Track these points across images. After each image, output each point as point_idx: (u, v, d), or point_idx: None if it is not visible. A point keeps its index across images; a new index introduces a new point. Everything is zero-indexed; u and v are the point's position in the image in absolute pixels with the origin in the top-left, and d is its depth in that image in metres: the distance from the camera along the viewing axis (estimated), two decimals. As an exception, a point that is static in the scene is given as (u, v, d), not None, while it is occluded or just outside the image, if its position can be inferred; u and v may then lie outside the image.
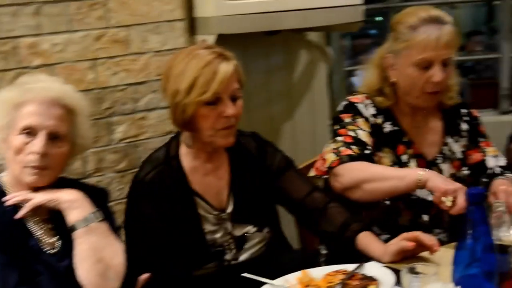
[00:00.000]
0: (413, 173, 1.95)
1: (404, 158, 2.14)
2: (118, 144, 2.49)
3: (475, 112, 2.29)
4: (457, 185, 1.84)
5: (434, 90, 2.07)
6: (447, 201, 1.81)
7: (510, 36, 3.89)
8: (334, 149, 2.07)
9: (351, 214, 1.97)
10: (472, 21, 7.43)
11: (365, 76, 2.23)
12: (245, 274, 1.72)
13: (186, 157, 1.95)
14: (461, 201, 1.76)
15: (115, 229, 1.76)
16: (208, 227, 1.94)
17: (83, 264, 1.63)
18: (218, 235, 1.95)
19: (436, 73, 2.03)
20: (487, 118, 3.76)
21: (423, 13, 2.05)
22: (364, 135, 2.09)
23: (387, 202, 2.11)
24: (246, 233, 1.98)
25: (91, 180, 2.38)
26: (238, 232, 1.97)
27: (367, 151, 2.07)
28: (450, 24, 2.04)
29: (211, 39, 2.47)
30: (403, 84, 2.11)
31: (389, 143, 2.14)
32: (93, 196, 1.74)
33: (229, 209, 1.98)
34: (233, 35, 2.50)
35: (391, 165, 2.12)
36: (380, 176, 1.99)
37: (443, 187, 1.83)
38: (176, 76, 1.84)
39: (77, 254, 1.64)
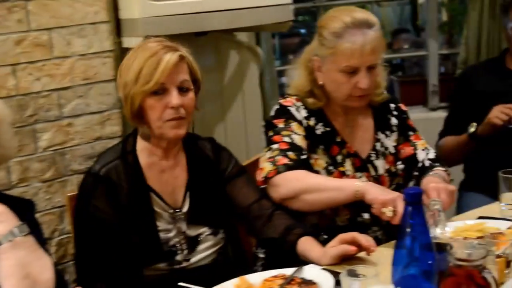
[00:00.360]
0: (351, 184, 1.96)
1: (339, 158, 2.15)
2: (44, 152, 2.41)
3: (403, 106, 2.33)
4: (395, 193, 1.86)
5: (361, 95, 2.08)
6: (388, 212, 1.83)
7: (436, 33, 3.99)
8: (270, 157, 2.05)
9: (295, 220, 1.98)
10: (398, 19, 7.57)
11: (294, 78, 2.22)
12: (181, 284, 1.69)
13: (143, 153, 1.94)
14: (401, 209, 1.77)
15: (42, 242, 1.68)
16: (162, 225, 1.92)
17: (9, 281, 1.55)
18: (171, 234, 1.93)
19: (362, 80, 2.04)
20: (416, 115, 3.83)
21: (347, 17, 2.03)
22: (299, 139, 2.08)
23: None
24: (200, 234, 1.97)
25: (16, 191, 2.30)
26: (192, 232, 1.96)
27: (303, 156, 2.06)
28: (376, 27, 2.04)
29: (136, 41, 2.42)
30: (330, 87, 2.12)
31: (322, 144, 2.14)
32: (18, 208, 1.65)
33: (185, 208, 1.96)
34: (160, 37, 2.45)
35: (325, 167, 2.13)
36: (319, 187, 1.99)
37: (381, 198, 1.85)
38: (125, 69, 1.87)
39: (2, 271, 1.56)
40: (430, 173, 2.14)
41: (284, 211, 2.01)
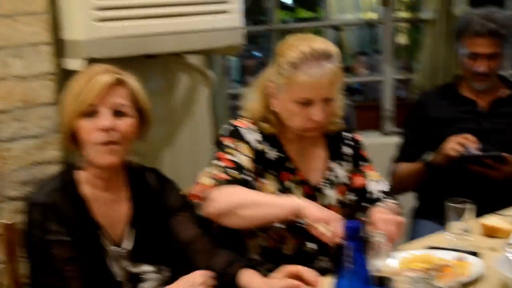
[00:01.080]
0: (289, 200, 1.93)
1: (289, 185, 2.12)
2: (-23, 178, 2.32)
3: (358, 136, 2.31)
4: (332, 213, 1.84)
5: (315, 126, 2.06)
6: (321, 228, 1.81)
7: (392, 59, 4.01)
8: (212, 173, 2.01)
9: (236, 255, 1.94)
10: (358, 42, 7.65)
11: (248, 101, 2.19)
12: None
13: (85, 184, 1.87)
14: (336, 230, 1.77)
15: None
16: (107, 260, 1.85)
17: None
18: (114, 270, 1.86)
19: (316, 112, 2.01)
20: (371, 139, 3.83)
21: (305, 47, 1.99)
22: (245, 161, 2.05)
23: (268, 232, 2.08)
24: (144, 272, 1.90)
25: None
26: (135, 270, 1.89)
27: (246, 177, 2.03)
28: (334, 59, 2.01)
29: (80, 64, 2.36)
30: (284, 115, 2.09)
31: (273, 169, 2.11)
32: None
33: (127, 245, 1.89)
34: (106, 59, 2.39)
35: (275, 193, 2.09)
36: (257, 202, 1.95)
37: (317, 215, 1.83)
38: (65, 93, 1.84)
39: None
40: (380, 204, 2.12)
41: (225, 246, 1.96)
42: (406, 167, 3.04)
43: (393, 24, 4.02)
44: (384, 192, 2.22)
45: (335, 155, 2.22)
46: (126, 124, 1.83)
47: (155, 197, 1.97)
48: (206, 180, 2.01)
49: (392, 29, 4.02)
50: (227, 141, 2.09)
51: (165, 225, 1.96)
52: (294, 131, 2.11)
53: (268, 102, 2.12)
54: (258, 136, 2.12)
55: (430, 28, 3.74)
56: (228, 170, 2.01)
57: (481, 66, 2.90)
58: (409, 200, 3.16)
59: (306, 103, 2.01)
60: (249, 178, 2.04)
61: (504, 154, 2.74)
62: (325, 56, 1.99)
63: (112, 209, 1.89)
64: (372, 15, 6.44)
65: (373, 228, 1.90)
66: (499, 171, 2.76)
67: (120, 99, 1.83)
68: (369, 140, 3.84)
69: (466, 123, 2.96)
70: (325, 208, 1.93)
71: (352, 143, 2.27)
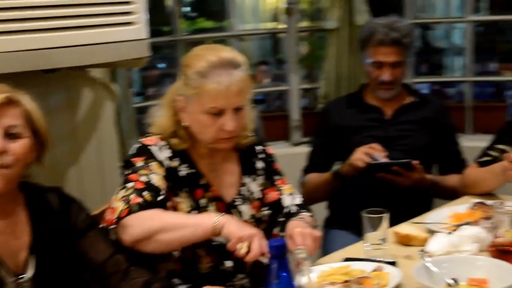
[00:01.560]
0: (208, 219, 1.88)
1: (203, 202, 2.07)
2: None
3: (270, 149, 2.29)
4: (252, 230, 1.82)
5: (227, 137, 2.03)
6: (242, 248, 1.78)
7: (297, 68, 4.03)
8: (124, 196, 1.94)
9: (152, 274, 1.87)
10: (260, 51, 7.70)
11: (157, 117, 2.12)
12: None
13: None
14: (255, 247, 1.75)
15: None
16: None
17: None
18: None
19: (228, 122, 1.98)
20: (279, 150, 3.82)
21: (212, 56, 1.97)
22: (157, 180, 1.99)
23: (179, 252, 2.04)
24: None
25: None
26: None
27: (160, 197, 1.97)
28: (242, 68, 1.99)
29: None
30: (195, 129, 2.05)
31: (186, 187, 2.06)
32: None
33: (29, 273, 1.75)
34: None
35: (189, 211, 2.05)
36: (175, 225, 1.89)
37: (238, 233, 1.80)
38: None
39: None
40: (296, 218, 2.11)
41: (140, 266, 1.88)
42: (315, 177, 3.06)
43: (297, 33, 4.05)
44: (298, 205, 2.22)
45: (248, 170, 2.20)
46: (19, 146, 1.71)
47: (58, 219, 1.84)
48: (120, 205, 1.93)
49: (296, 39, 4.04)
50: (137, 161, 2.02)
51: (73, 248, 1.85)
52: (207, 144, 2.07)
53: (177, 117, 2.07)
54: (168, 153, 2.06)
55: (333, 37, 3.79)
56: (142, 192, 1.94)
57: (385, 75, 2.96)
58: (321, 210, 3.18)
59: (217, 113, 1.98)
60: (164, 199, 1.98)
61: (413, 160, 2.80)
62: (233, 64, 1.97)
63: (10, 237, 1.76)
64: (272, 25, 6.48)
65: (291, 241, 1.90)
66: (407, 178, 2.82)
67: (11, 119, 1.71)
68: (277, 150, 3.83)
69: (373, 131, 3.01)
70: (246, 225, 1.90)
71: (265, 157, 2.25)
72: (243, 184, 2.17)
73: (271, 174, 2.24)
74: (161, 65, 6.65)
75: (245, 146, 2.19)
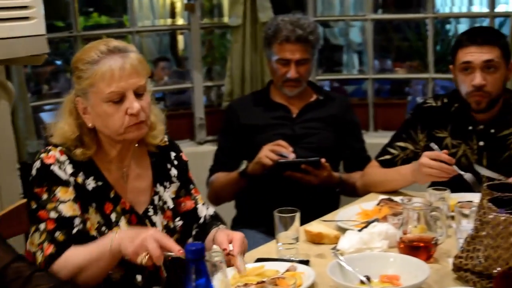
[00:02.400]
0: (106, 243, 1.81)
1: (113, 217, 1.97)
2: None
3: (184, 156, 2.22)
4: (143, 235, 1.74)
5: (136, 122, 1.93)
6: (143, 260, 1.73)
7: (200, 65, 4.01)
8: (40, 244, 1.86)
9: (58, 280, 1.78)
10: (158, 48, 7.60)
11: (58, 127, 1.98)
12: None
13: None
14: (153, 251, 1.70)
15: None
16: None
17: None
18: None
19: (132, 104, 1.89)
20: (185, 149, 3.79)
21: (102, 46, 1.91)
22: (67, 209, 1.89)
23: None
24: None
25: None
26: None
27: (75, 229, 1.88)
28: (134, 51, 1.94)
29: None
30: (101, 125, 1.95)
31: (94, 201, 1.96)
32: None
33: None
34: None
35: (98, 227, 1.94)
36: (88, 262, 1.82)
37: (131, 250, 1.75)
38: None
39: None
40: (216, 227, 2.08)
41: (44, 271, 1.80)
42: (222, 176, 3.04)
43: (200, 30, 4.02)
44: (212, 217, 2.19)
45: (162, 177, 2.11)
46: None
47: None
48: (38, 255, 1.85)
49: (199, 35, 4.01)
50: (42, 194, 1.90)
51: None
52: (116, 137, 1.95)
53: (80, 122, 1.96)
54: (71, 168, 1.94)
55: (237, 34, 3.79)
56: (54, 234, 1.86)
57: (291, 72, 2.98)
58: (229, 209, 3.17)
59: (118, 99, 1.89)
60: (80, 226, 1.89)
61: (321, 158, 2.83)
62: (124, 49, 1.92)
63: None
64: (170, 21, 6.42)
65: (219, 246, 1.88)
66: (316, 176, 2.85)
67: None
68: (183, 150, 3.82)
69: (279, 129, 3.03)
70: (138, 231, 1.83)
71: (179, 164, 2.17)
72: (155, 193, 2.08)
73: (186, 182, 2.17)
74: (57, 62, 6.43)
75: (156, 149, 2.10)
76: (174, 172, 2.15)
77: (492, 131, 2.69)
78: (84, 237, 1.89)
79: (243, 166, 2.92)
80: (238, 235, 1.93)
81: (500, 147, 2.68)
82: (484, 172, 2.59)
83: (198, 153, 3.79)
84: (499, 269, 1.67)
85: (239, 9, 3.76)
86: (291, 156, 2.82)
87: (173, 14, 6.10)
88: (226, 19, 4.08)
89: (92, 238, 1.92)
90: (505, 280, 1.62)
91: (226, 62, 3.91)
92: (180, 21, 5.03)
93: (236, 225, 3.09)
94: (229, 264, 1.80)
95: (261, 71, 3.77)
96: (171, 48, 7.50)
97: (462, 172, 2.52)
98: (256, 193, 2.99)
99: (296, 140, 2.99)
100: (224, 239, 1.91)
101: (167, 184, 2.12)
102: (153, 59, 6.65)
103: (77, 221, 1.90)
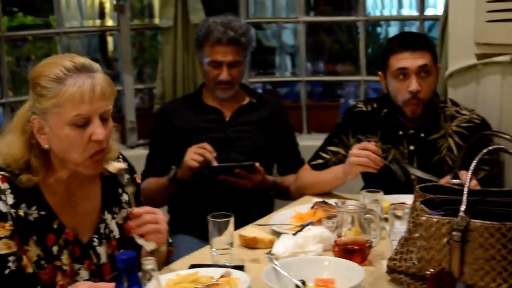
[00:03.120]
0: None
1: (55, 249, 1.86)
2: None
3: (138, 178, 2.14)
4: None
5: (99, 149, 1.82)
6: None
7: (131, 67, 3.95)
8: None
9: None
10: (87, 49, 7.46)
11: (5, 145, 1.84)
12: None
13: None
14: None
15: None
16: None
17: None
18: None
19: (96, 130, 1.78)
20: (115, 154, 3.72)
21: (67, 62, 1.77)
22: (1, 247, 1.76)
23: None
24: None
25: None
26: None
27: (7, 270, 1.76)
28: (101, 71, 1.83)
29: None
30: (59, 149, 1.82)
31: (36, 233, 1.83)
32: None
33: None
34: None
35: (36, 260, 1.83)
36: None
37: None
38: None
39: None
40: None
41: None
42: (153, 182, 3.01)
43: (130, 32, 3.96)
44: None
45: (111, 203, 2.01)
46: None
47: None
48: None
49: (129, 37, 3.95)
50: None
51: None
52: (76, 166, 1.84)
53: (32, 142, 1.83)
54: (12, 199, 1.80)
55: (168, 36, 3.75)
56: None
57: (223, 74, 2.97)
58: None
59: (83, 123, 1.78)
60: (13, 266, 1.77)
61: (255, 163, 2.83)
62: (90, 68, 1.79)
63: None
64: (99, 22, 6.30)
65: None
66: (250, 180, 2.85)
67: None
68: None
69: (212, 133, 3.02)
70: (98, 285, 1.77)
71: (131, 187, 2.03)
72: (102, 220, 1.98)
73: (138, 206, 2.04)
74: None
75: (109, 172, 1.96)
76: (125, 197, 2.05)
77: (422, 135, 2.75)
78: (18, 276, 1.78)
79: (172, 172, 2.87)
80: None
81: (430, 151, 2.74)
82: (416, 172, 2.65)
83: (130, 157, 3.68)
84: (432, 270, 1.70)
85: (170, 11, 3.72)
86: (214, 162, 2.79)
87: (102, 15, 5.98)
88: (157, 21, 4.03)
89: (28, 276, 1.80)
90: (438, 281, 1.66)
91: (157, 64, 3.86)
92: (109, 22, 4.93)
93: (170, 231, 3.05)
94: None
95: (193, 74, 3.74)
96: (101, 49, 7.37)
97: (388, 163, 2.58)
98: (189, 198, 2.97)
99: (229, 144, 2.98)
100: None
101: (116, 209, 2.03)
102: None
103: (11, 259, 1.77)
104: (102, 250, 1.97)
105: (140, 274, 1.45)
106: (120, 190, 2.05)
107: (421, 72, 2.65)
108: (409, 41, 2.70)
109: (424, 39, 2.82)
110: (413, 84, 2.64)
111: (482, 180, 2.49)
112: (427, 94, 2.69)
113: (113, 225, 2.02)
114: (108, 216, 2.00)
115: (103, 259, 1.96)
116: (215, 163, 2.80)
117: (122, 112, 3.97)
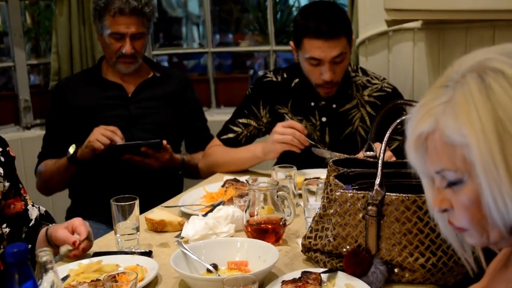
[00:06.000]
0: None
1: None
2: None
3: (12, 151, 2.06)
4: None
5: None
6: None
7: (23, 41, 3.78)
8: None
9: None
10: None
11: None
12: None
13: None
14: None
15: None
16: None
17: None
18: None
19: None
20: (9, 135, 3.58)
21: None
22: None
23: None
24: None
25: None
26: None
27: None
28: None
29: None
30: None
31: None
32: None
33: None
34: None
35: None
36: None
37: None
38: None
39: None
40: (45, 226, 1.98)
41: None
42: (50, 164, 2.90)
43: (20, 2, 3.78)
44: (42, 216, 2.06)
45: None
46: None
47: None
48: None
49: (19, 8, 3.78)
50: None
51: None
52: None
53: None
54: None
55: (62, 6, 3.60)
56: None
57: (126, 47, 2.87)
58: (64, 199, 3.03)
59: None
60: None
61: (163, 140, 2.76)
62: None
63: None
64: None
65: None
66: (157, 159, 2.78)
67: None
68: (7, 135, 3.59)
69: (114, 110, 2.93)
70: None
71: (5, 160, 2.01)
72: None
73: (16, 181, 2.03)
74: None
75: None
76: (0, 171, 1.98)
77: (334, 106, 2.75)
78: None
79: (71, 150, 2.76)
80: (77, 221, 1.89)
81: (342, 122, 2.75)
82: (324, 154, 2.59)
83: (25, 139, 3.59)
84: (348, 247, 1.69)
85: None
86: (120, 139, 2.71)
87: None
88: (49, -11, 3.88)
89: None
90: (355, 258, 1.65)
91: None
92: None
93: (71, 217, 2.94)
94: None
95: (91, 47, 3.61)
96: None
97: (313, 143, 2.55)
98: (91, 180, 2.87)
99: (132, 121, 2.90)
100: (66, 233, 1.84)
101: None
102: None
103: None
104: None
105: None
106: None
107: (335, 59, 2.62)
108: (323, 27, 2.58)
109: (341, 21, 2.65)
110: (327, 74, 2.61)
111: (396, 150, 2.51)
112: (341, 76, 2.68)
113: None
114: None
115: None
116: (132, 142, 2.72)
117: (15, 90, 3.81)
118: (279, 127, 2.54)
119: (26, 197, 2.06)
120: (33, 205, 2.06)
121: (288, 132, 2.50)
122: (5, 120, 3.77)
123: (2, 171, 1.98)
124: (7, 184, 1.99)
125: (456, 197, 1.10)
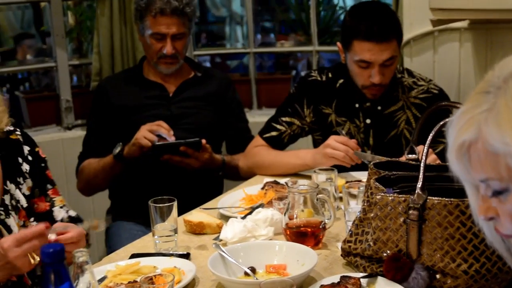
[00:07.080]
0: None
1: None
2: None
3: (42, 153, 2.10)
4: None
5: None
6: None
7: (65, 42, 3.83)
8: None
9: None
10: (20, 23, 7.26)
11: None
12: None
13: None
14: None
15: None
16: None
17: None
18: None
19: None
20: (50, 135, 3.64)
21: None
22: None
23: None
24: None
25: None
26: None
27: None
28: None
29: None
30: None
31: None
32: None
33: None
34: None
35: None
36: None
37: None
38: None
39: None
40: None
41: None
42: (93, 163, 2.93)
43: (62, 2, 3.84)
44: (72, 218, 2.09)
45: (12, 173, 1.99)
46: None
47: None
48: None
49: (62, 8, 3.83)
50: None
51: None
52: None
53: None
54: None
55: (104, 7, 3.63)
56: None
57: (167, 48, 2.90)
58: (104, 200, 3.07)
59: None
60: None
61: (202, 139, 2.77)
62: None
63: None
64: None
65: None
66: (196, 159, 2.79)
67: None
68: (48, 136, 3.66)
69: (155, 109, 2.96)
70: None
71: (34, 160, 2.06)
72: (5, 191, 1.95)
73: (42, 182, 2.06)
74: None
75: (6, 143, 1.98)
76: (26, 167, 2.03)
77: (379, 108, 2.72)
78: None
79: (118, 148, 2.80)
80: (77, 230, 1.84)
81: (387, 125, 2.72)
82: (363, 156, 2.56)
83: (66, 139, 3.64)
84: (388, 252, 1.68)
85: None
86: (171, 139, 2.74)
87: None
88: (91, -11, 3.92)
89: None
90: (395, 263, 1.63)
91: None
92: (41, -8, 4.78)
93: (111, 218, 3.00)
94: None
95: (132, 47, 3.65)
96: (35, 23, 7.19)
97: (366, 161, 2.50)
98: (131, 181, 2.90)
99: (173, 121, 2.92)
100: (60, 225, 1.84)
101: (20, 180, 2.00)
102: (15, 35, 6.36)
103: None
104: (11, 221, 1.93)
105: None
106: (20, 160, 2.03)
107: (386, 63, 2.60)
108: (375, 30, 2.53)
109: (392, 24, 2.60)
110: (376, 77, 2.58)
111: (441, 153, 2.48)
112: (389, 79, 2.65)
113: (18, 195, 1.98)
114: (11, 186, 1.97)
115: (15, 230, 1.92)
116: (172, 139, 2.73)
117: (57, 91, 3.86)
118: (332, 140, 2.51)
119: (53, 199, 2.08)
120: (61, 207, 2.09)
121: (341, 149, 2.48)
122: (46, 120, 3.83)
123: (28, 168, 2.03)
124: (31, 182, 2.02)
125: (502, 206, 1.08)
